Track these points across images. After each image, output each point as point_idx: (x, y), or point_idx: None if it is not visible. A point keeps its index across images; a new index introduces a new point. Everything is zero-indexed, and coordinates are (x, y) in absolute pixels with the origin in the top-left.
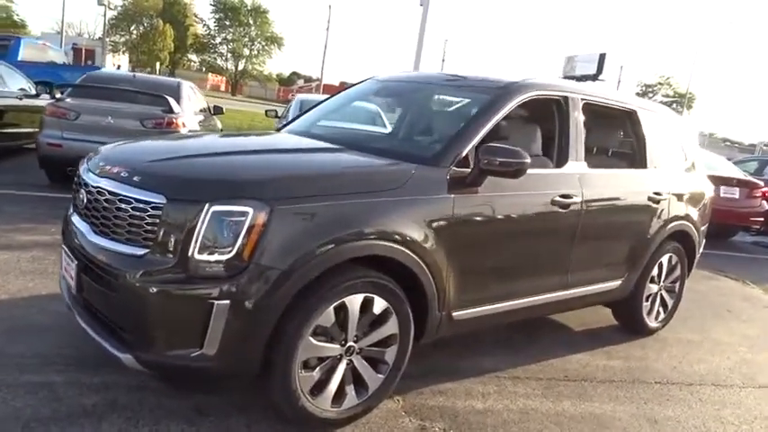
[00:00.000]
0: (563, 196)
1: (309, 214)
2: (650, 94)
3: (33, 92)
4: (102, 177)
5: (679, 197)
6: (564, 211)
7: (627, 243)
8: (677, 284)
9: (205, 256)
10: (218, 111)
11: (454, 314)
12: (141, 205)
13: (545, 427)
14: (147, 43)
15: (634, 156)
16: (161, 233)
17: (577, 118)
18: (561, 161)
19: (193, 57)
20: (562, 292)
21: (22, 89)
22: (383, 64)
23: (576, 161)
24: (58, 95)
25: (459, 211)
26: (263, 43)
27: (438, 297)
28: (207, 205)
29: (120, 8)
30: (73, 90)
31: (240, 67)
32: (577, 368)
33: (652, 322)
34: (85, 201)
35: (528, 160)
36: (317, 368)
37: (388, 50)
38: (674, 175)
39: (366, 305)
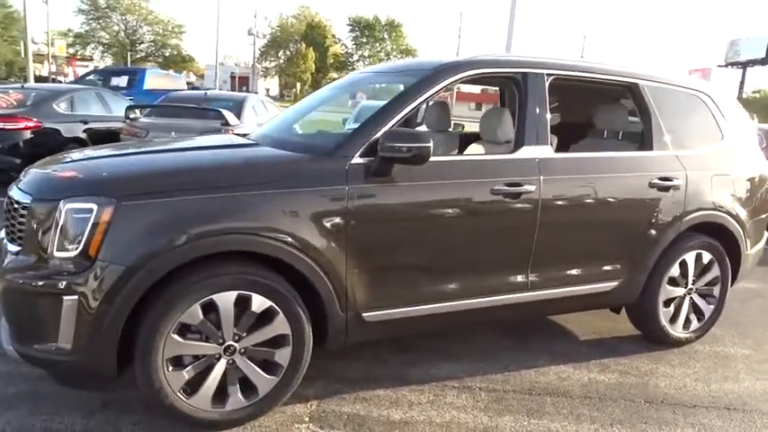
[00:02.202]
0: (511, 185)
1: (160, 210)
2: None
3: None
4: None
5: (706, 183)
6: (513, 201)
7: (618, 238)
8: (716, 288)
9: (61, 253)
10: None
11: (365, 316)
12: (18, 206)
13: None
14: (292, 66)
15: (636, 136)
16: (28, 231)
17: (539, 97)
18: (515, 146)
19: (335, 75)
20: (522, 294)
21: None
22: None
23: (535, 145)
24: (131, 116)
25: (358, 204)
26: (399, 56)
27: (337, 297)
28: (62, 203)
29: (268, 36)
30: (150, 110)
31: None
32: (552, 381)
33: (678, 332)
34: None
35: (428, 144)
36: (190, 366)
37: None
38: (701, 157)
39: (243, 303)
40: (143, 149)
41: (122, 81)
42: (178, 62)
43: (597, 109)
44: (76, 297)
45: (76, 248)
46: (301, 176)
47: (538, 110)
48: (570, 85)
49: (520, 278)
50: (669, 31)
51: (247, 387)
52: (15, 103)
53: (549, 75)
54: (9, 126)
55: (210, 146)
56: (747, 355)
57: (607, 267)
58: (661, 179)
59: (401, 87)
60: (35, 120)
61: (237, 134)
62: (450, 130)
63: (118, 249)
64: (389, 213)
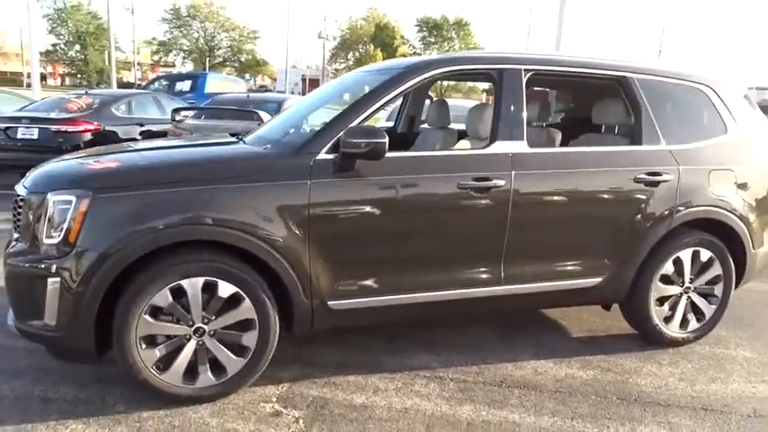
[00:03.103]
0: (479, 179)
1: (132, 202)
2: None
3: None
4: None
5: (703, 178)
6: (481, 195)
7: (600, 233)
8: (718, 287)
9: (48, 240)
10: None
11: (331, 304)
12: (19, 200)
13: (410, 429)
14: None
15: (625, 130)
16: (24, 221)
17: (515, 92)
18: (489, 141)
19: None
20: (494, 288)
21: None
22: None
23: (509, 141)
24: (177, 118)
25: (320, 198)
26: None
27: (301, 285)
28: (49, 194)
29: (338, 38)
30: (195, 113)
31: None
32: (527, 375)
33: (674, 331)
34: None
35: (383, 140)
36: (162, 345)
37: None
38: (698, 152)
39: (210, 289)
40: (130, 148)
41: (186, 85)
42: (253, 66)
43: (594, 104)
44: (59, 279)
45: (59, 236)
46: (267, 172)
47: (513, 106)
48: (570, 81)
49: (491, 272)
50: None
51: (217, 367)
52: (84, 107)
53: (526, 70)
54: (71, 129)
55: (191, 144)
56: (748, 358)
57: (588, 263)
58: (649, 174)
59: None
60: (95, 123)
61: (233, 134)
62: (428, 126)
63: (93, 237)
64: (351, 207)
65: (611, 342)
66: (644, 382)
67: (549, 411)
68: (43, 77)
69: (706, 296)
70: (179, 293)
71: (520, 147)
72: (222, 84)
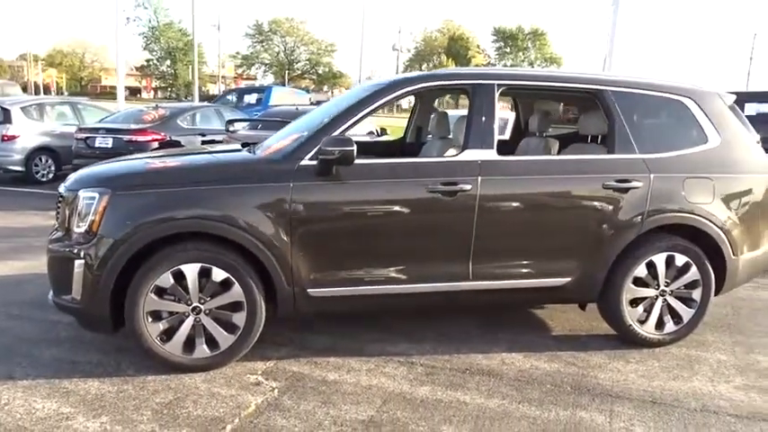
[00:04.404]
0: (447, 184)
1: (143, 199)
2: None
3: None
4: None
5: (676, 185)
6: (450, 199)
7: (567, 235)
8: (696, 292)
9: (78, 229)
10: (383, 133)
11: (310, 291)
12: (59, 197)
13: (368, 402)
14: None
15: (599, 140)
16: (62, 214)
17: (486, 105)
18: (462, 149)
19: None
20: (463, 283)
21: None
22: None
23: (479, 149)
24: (231, 129)
25: (300, 198)
26: (543, 65)
27: (283, 273)
28: (80, 191)
29: (413, 50)
30: (248, 124)
31: None
32: (493, 365)
33: (649, 332)
34: None
35: (351, 148)
36: (165, 320)
37: (678, 63)
38: (673, 160)
39: (206, 273)
40: (151, 156)
41: (252, 98)
42: (330, 78)
43: (579, 115)
44: (83, 261)
45: (85, 226)
46: (257, 175)
47: (484, 117)
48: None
49: (460, 269)
50: None
51: (211, 341)
52: (157, 118)
53: (499, 85)
54: (141, 138)
55: (200, 152)
56: (721, 361)
57: (556, 263)
58: (618, 181)
59: None
60: (162, 133)
61: (245, 143)
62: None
63: (111, 227)
64: (328, 206)
65: (588, 341)
66: (604, 376)
67: (500, 395)
68: (138, 90)
69: (684, 300)
70: (179, 277)
71: (489, 155)
72: (286, 96)
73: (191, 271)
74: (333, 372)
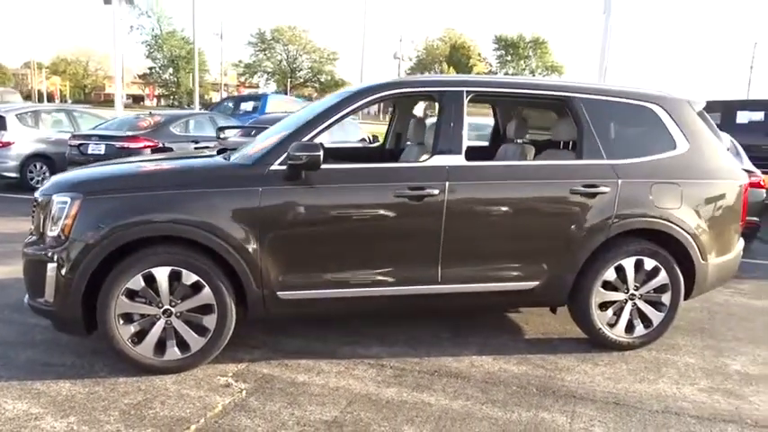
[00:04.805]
0: (414, 188)
1: (113, 203)
2: None
3: None
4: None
5: (644, 190)
6: (417, 203)
7: (535, 240)
8: (665, 296)
9: (50, 233)
10: (375, 140)
11: (279, 294)
12: (35, 202)
13: (334, 403)
14: None
15: (569, 146)
16: (36, 218)
17: (455, 112)
18: (431, 154)
19: None
20: (432, 287)
21: None
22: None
23: (447, 155)
24: (222, 135)
25: (269, 202)
26: (544, 73)
27: (253, 276)
28: (54, 196)
29: (414, 59)
30: (240, 131)
31: None
32: (461, 367)
33: (619, 336)
34: None
35: (317, 153)
36: (136, 322)
37: (679, 73)
38: (641, 166)
39: (176, 276)
40: (124, 161)
41: (249, 106)
42: (332, 87)
43: (552, 122)
44: (56, 264)
45: (57, 229)
46: (227, 180)
47: (452, 123)
48: (529, 102)
49: (429, 272)
50: None
51: (182, 343)
52: (153, 125)
53: (468, 92)
54: (133, 145)
55: (174, 158)
56: (689, 364)
57: (523, 267)
58: (585, 186)
59: None
60: (154, 140)
61: (221, 150)
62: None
63: (82, 231)
64: (296, 210)
65: (560, 344)
66: (570, 379)
67: (465, 397)
68: (141, 98)
69: (653, 304)
70: (150, 280)
71: (457, 160)
72: (283, 104)
73: (161, 274)
74: (303, 374)
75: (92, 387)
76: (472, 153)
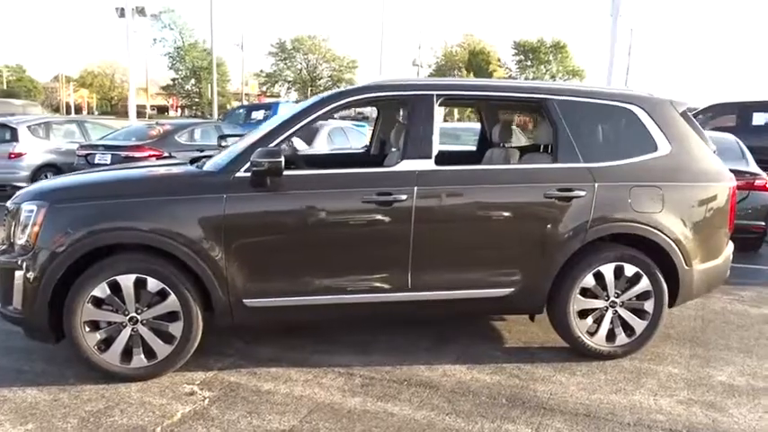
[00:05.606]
0: (382, 194)
1: (79, 211)
2: None
3: None
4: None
5: (622, 194)
6: (385, 209)
7: (507, 246)
8: (648, 303)
9: (19, 241)
10: None
11: (246, 302)
12: (5, 212)
13: (294, 412)
14: None
15: (542, 150)
16: (7, 227)
17: (424, 115)
18: (400, 159)
19: None
20: (402, 294)
21: None
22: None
23: (416, 159)
24: (223, 144)
25: (234, 209)
26: (565, 77)
27: (218, 283)
28: (22, 204)
29: (433, 65)
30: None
31: None
32: (433, 376)
33: (600, 344)
34: None
35: (278, 160)
36: (102, 330)
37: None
38: (619, 169)
39: (141, 284)
40: (95, 171)
41: (260, 114)
42: None
43: (534, 126)
44: (22, 272)
45: (25, 237)
46: (192, 188)
47: (422, 127)
48: (504, 105)
49: (398, 279)
50: None
51: (149, 351)
52: (161, 134)
53: (438, 95)
54: (138, 154)
55: (141, 167)
56: (671, 374)
57: (497, 274)
58: (560, 190)
59: None
60: (159, 150)
61: (197, 157)
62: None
63: (48, 239)
64: (261, 217)
65: (539, 353)
66: (543, 389)
67: (430, 407)
68: (165, 109)
69: (636, 311)
70: (116, 287)
71: (426, 165)
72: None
73: (126, 281)
74: (269, 382)
75: (57, 394)
76: (460, 158)
